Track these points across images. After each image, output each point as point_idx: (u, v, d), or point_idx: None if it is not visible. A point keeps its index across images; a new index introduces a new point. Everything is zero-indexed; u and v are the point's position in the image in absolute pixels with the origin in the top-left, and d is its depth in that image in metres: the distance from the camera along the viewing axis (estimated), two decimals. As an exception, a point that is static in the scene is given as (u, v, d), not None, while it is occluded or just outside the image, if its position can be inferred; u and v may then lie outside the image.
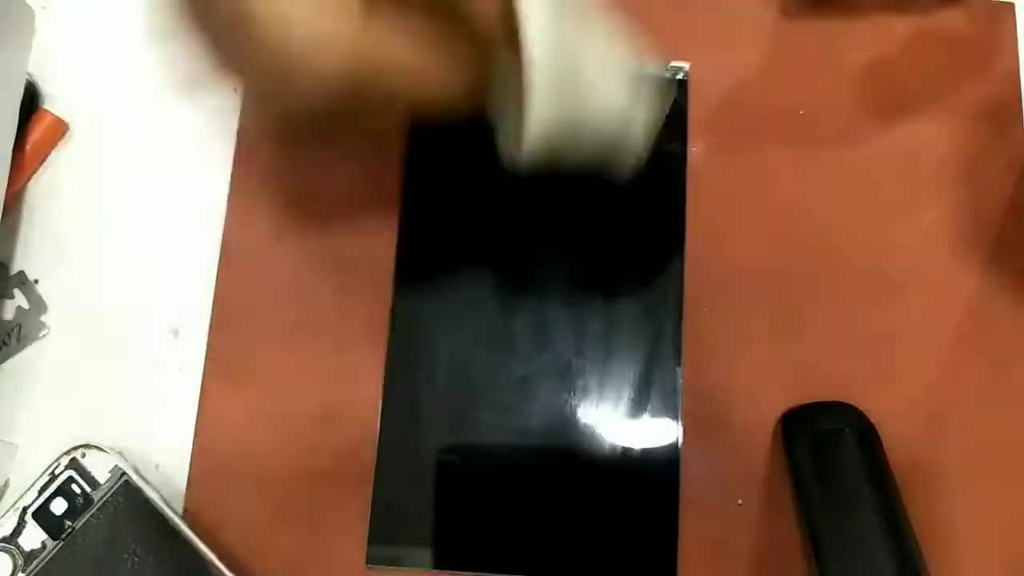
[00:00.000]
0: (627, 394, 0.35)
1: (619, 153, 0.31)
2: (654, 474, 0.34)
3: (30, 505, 0.32)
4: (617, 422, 0.34)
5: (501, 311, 0.35)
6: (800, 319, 0.36)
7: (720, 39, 0.39)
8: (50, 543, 0.31)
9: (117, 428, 0.34)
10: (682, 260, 0.36)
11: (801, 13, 0.39)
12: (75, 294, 0.36)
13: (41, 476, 0.32)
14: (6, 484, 0.34)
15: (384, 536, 0.33)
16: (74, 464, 0.32)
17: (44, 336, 0.35)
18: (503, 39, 0.29)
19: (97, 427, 0.34)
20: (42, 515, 0.32)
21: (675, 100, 0.37)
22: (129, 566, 0.31)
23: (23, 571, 0.31)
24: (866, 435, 0.33)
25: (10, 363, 0.35)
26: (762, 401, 0.35)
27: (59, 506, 0.32)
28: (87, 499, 0.32)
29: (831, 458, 0.32)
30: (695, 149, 0.37)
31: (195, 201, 0.37)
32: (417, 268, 0.36)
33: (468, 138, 0.37)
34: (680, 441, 0.34)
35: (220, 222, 0.36)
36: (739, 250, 0.37)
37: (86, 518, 0.32)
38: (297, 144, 0.35)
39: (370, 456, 0.34)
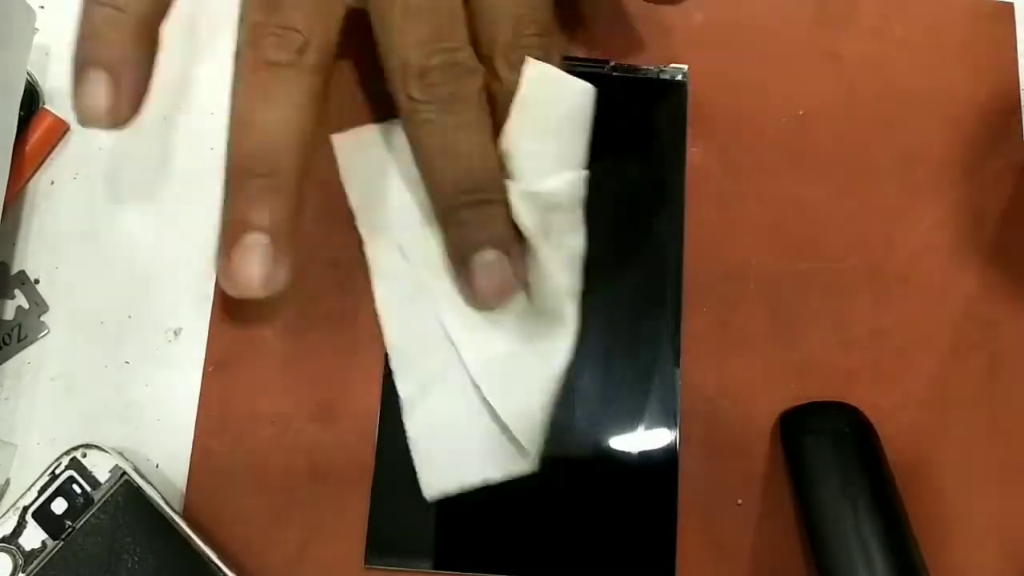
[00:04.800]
0: (626, 394, 0.35)
1: None
2: (653, 474, 0.34)
3: (30, 505, 0.32)
4: (616, 422, 0.34)
5: (501, 311, 0.35)
6: (800, 319, 0.36)
7: (720, 39, 0.39)
8: (50, 543, 0.31)
9: (117, 428, 0.34)
10: (682, 260, 0.36)
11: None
12: (75, 294, 0.36)
13: (41, 476, 0.32)
14: (6, 484, 0.34)
15: (383, 536, 0.33)
16: (74, 464, 0.32)
17: (44, 336, 0.35)
18: None
19: (97, 427, 0.34)
20: (42, 515, 0.32)
21: (676, 100, 0.37)
22: (129, 566, 0.31)
23: (23, 571, 0.31)
24: (866, 435, 0.33)
25: (10, 363, 0.35)
26: (761, 401, 0.35)
27: (59, 506, 0.32)
28: (87, 499, 0.32)
29: (831, 458, 0.32)
30: (695, 149, 0.37)
31: (195, 201, 0.37)
32: (417, 268, 0.35)
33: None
34: (679, 441, 0.34)
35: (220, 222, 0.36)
36: (739, 250, 0.37)
37: (86, 518, 0.32)
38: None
39: (370, 456, 0.34)
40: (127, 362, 0.35)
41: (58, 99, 0.37)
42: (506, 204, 0.31)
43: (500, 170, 0.32)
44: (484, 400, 0.33)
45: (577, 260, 0.33)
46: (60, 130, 0.37)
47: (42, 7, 0.38)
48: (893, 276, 0.36)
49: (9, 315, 0.35)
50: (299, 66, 0.30)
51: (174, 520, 0.32)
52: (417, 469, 0.33)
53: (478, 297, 0.32)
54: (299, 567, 0.33)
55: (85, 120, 0.29)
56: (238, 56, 0.31)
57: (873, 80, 0.38)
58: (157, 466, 0.34)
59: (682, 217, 0.36)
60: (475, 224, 0.31)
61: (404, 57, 0.31)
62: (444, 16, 0.31)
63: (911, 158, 0.38)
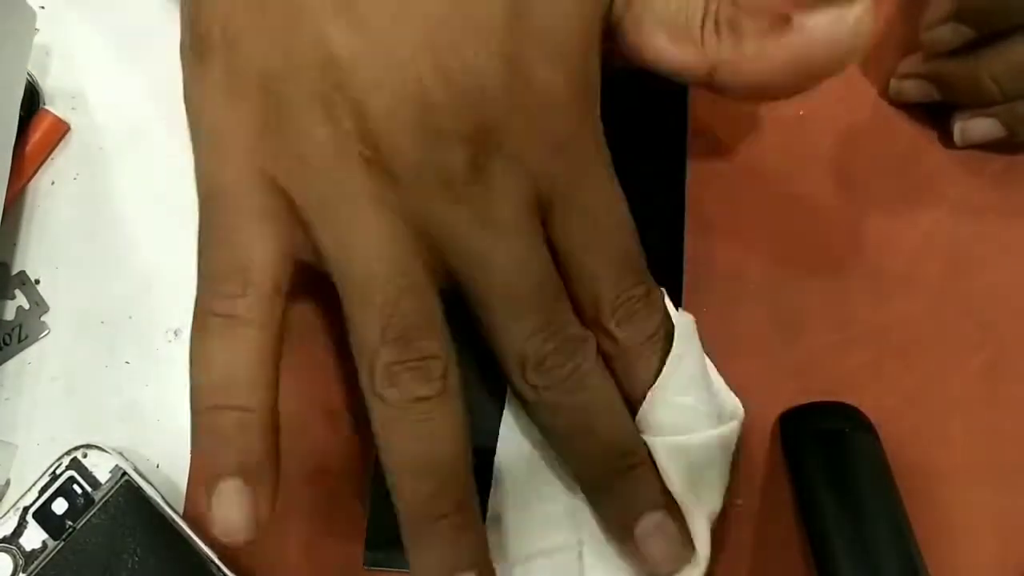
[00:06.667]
0: (627, 394, 0.35)
1: None
2: (654, 475, 0.34)
3: (31, 505, 0.32)
4: (617, 422, 0.34)
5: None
6: (800, 319, 0.36)
7: (720, 39, 0.39)
8: (51, 543, 0.31)
9: (117, 428, 0.34)
10: (682, 260, 0.36)
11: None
12: (75, 294, 0.36)
13: (42, 476, 0.32)
14: (6, 484, 0.34)
15: (382, 537, 0.33)
16: (75, 464, 0.32)
17: (44, 336, 0.35)
18: None
19: (97, 427, 0.34)
20: (43, 515, 0.32)
21: (676, 100, 0.37)
22: (129, 566, 0.31)
23: (24, 571, 0.31)
24: (866, 435, 0.33)
25: (10, 363, 0.35)
26: (762, 401, 0.35)
27: (60, 506, 0.32)
28: (88, 499, 0.32)
29: (830, 458, 0.32)
30: (695, 149, 0.37)
31: (195, 201, 0.36)
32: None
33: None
34: (680, 441, 0.34)
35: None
36: (739, 250, 0.37)
37: (87, 518, 0.32)
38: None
39: (370, 456, 0.34)
40: (127, 362, 0.35)
41: (58, 99, 0.37)
42: (652, 462, 0.30)
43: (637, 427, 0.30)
44: None
45: (714, 516, 0.31)
46: (60, 130, 0.37)
47: (42, 7, 0.38)
48: (893, 276, 0.36)
49: (9, 315, 0.35)
50: (446, 391, 0.28)
51: (174, 520, 0.32)
52: None
53: (652, 566, 0.30)
54: (299, 567, 0.33)
55: (226, 536, 0.27)
56: (371, 399, 0.28)
57: (873, 80, 0.38)
58: (157, 466, 0.34)
59: (682, 217, 0.36)
60: (630, 492, 0.29)
61: (520, 351, 0.29)
62: (549, 297, 0.29)
63: (911, 158, 0.38)
